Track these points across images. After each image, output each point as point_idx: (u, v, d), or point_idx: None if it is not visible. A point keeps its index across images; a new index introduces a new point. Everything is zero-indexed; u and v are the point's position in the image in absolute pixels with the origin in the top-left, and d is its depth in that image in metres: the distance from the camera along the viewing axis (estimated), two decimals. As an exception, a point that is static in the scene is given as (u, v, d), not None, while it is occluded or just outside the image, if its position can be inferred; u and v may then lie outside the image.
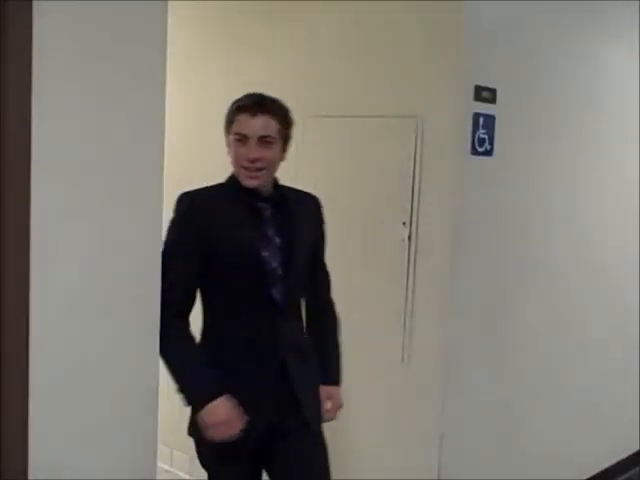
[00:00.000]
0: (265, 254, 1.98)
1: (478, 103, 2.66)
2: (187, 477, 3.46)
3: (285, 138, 2.03)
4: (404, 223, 2.72)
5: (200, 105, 3.37)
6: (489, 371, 2.91)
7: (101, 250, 1.73)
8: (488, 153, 2.74)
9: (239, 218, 1.99)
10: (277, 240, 2.01)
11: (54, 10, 1.57)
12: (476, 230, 2.77)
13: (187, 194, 2.00)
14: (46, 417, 1.63)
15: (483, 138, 2.70)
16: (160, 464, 2.81)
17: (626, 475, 3.82)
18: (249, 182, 1.98)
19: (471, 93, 2.63)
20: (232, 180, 2.03)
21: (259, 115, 1.95)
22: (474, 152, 2.68)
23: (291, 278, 2.01)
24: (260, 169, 1.97)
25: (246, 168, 1.97)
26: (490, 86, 2.70)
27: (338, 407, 2.19)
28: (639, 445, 3.94)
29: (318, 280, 2.21)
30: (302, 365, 2.05)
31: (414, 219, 2.70)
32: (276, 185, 2.07)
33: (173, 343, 1.85)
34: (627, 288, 3.76)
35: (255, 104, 1.97)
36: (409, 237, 2.72)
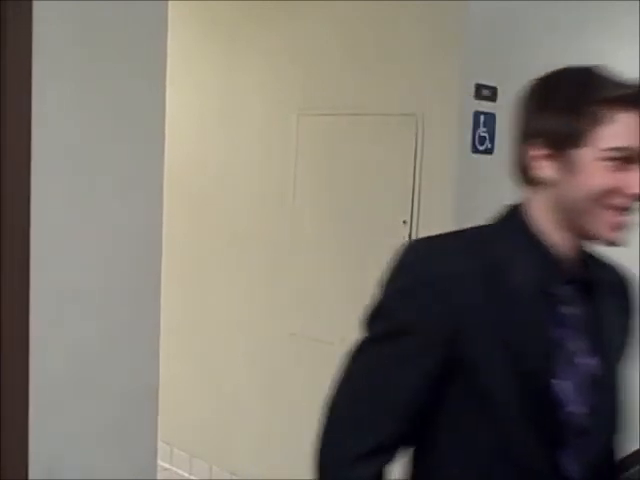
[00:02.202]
0: (561, 388, 1.06)
1: (479, 101, 2.65)
2: (186, 475, 3.46)
3: None
4: (404, 222, 2.72)
5: (197, 105, 3.35)
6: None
7: (101, 248, 1.73)
8: (489, 151, 2.73)
9: (528, 313, 1.07)
10: (590, 362, 1.09)
11: (54, 11, 1.57)
12: (476, 229, 2.76)
13: (424, 260, 1.12)
14: (46, 417, 1.63)
15: (484, 136, 2.69)
16: (160, 462, 2.80)
17: (626, 475, 3.81)
18: (615, 236, 1.07)
19: (472, 91, 2.63)
20: (527, 234, 1.18)
21: None
22: (474, 150, 2.67)
23: (607, 437, 1.17)
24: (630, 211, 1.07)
25: (620, 209, 1.06)
26: (491, 84, 2.69)
27: None
28: (639, 444, 3.93)
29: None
30: None
31: (414, 218, 2.70)
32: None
33: None
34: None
35: None
36: (409, 236, 2.71)
